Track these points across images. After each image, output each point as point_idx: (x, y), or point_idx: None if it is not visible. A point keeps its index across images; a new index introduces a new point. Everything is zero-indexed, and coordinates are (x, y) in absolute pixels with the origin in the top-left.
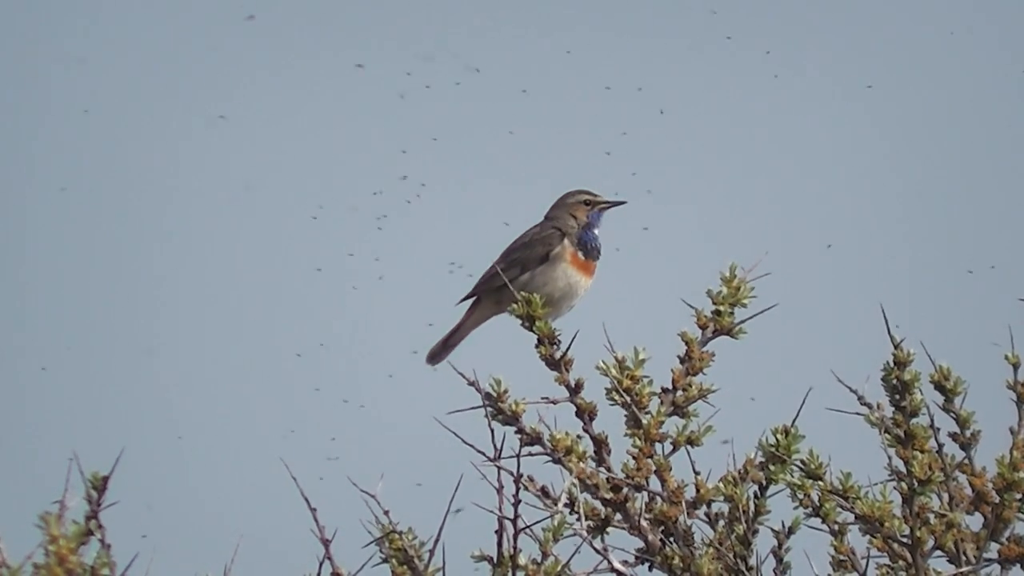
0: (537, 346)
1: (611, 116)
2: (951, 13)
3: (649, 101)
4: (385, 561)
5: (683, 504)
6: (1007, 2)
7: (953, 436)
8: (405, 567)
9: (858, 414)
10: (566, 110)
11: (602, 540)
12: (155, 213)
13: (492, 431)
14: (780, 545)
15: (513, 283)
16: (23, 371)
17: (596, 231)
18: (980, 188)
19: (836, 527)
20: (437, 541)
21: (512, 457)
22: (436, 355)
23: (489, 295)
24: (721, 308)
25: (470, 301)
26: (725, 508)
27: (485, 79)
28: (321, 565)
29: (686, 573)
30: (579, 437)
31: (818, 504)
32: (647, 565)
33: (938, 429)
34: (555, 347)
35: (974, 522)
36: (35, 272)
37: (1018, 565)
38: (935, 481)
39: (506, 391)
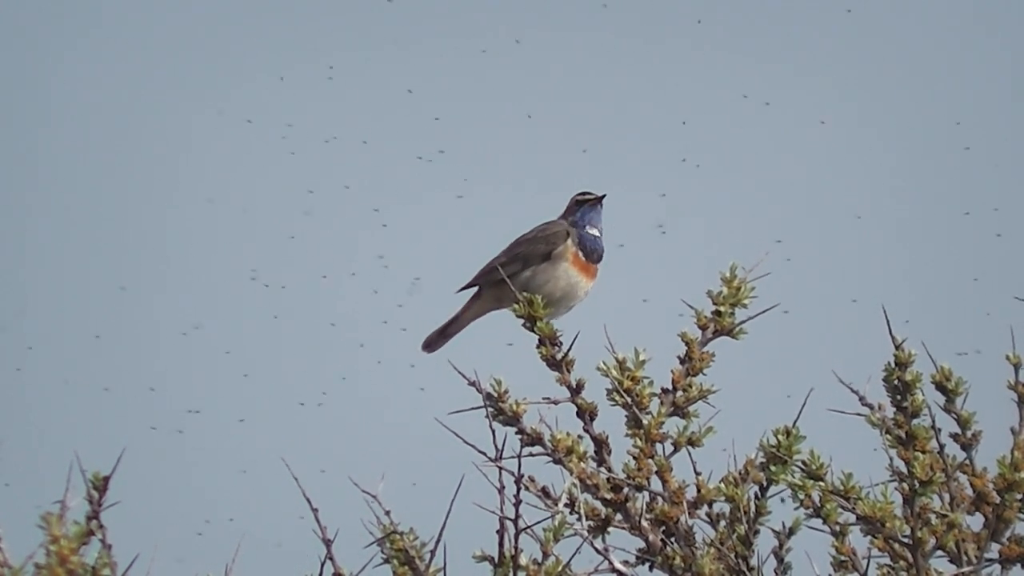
0: (538, 347)
1: (612, 118)
2: (952, 13)
3: (653, 106)
4: (386, 561)
5: (684, 504)
6: (1007, 2)
7: (954, 437)
8: (406, 567)
9: (859, 415)
10: (565, 112)
11: (603, 540)
12: (154, 212)
13: (493, 431)
14: (781, 545)
15: (514, 279)
16: (24, 371)
17: (595, 231)
18: (981, 188)
19: (837, 528)
20: (438, 541)
21: (513, 457)
22: (432, 343)
23: (490, 289)
24: (721, 308)
25: (469, 291)
26: (726, 508)
27: (490, 76)
28: (323, 565)
29: (687, 573)
30: (580, 437)
31: (819, 505)
32: (648, 565)
33: (939, 430)
34: (556, 348)
35: (975, 522)
36: (36, 271)
37: (1019, 565)
38: (936, 482)
39: (507, 391)
